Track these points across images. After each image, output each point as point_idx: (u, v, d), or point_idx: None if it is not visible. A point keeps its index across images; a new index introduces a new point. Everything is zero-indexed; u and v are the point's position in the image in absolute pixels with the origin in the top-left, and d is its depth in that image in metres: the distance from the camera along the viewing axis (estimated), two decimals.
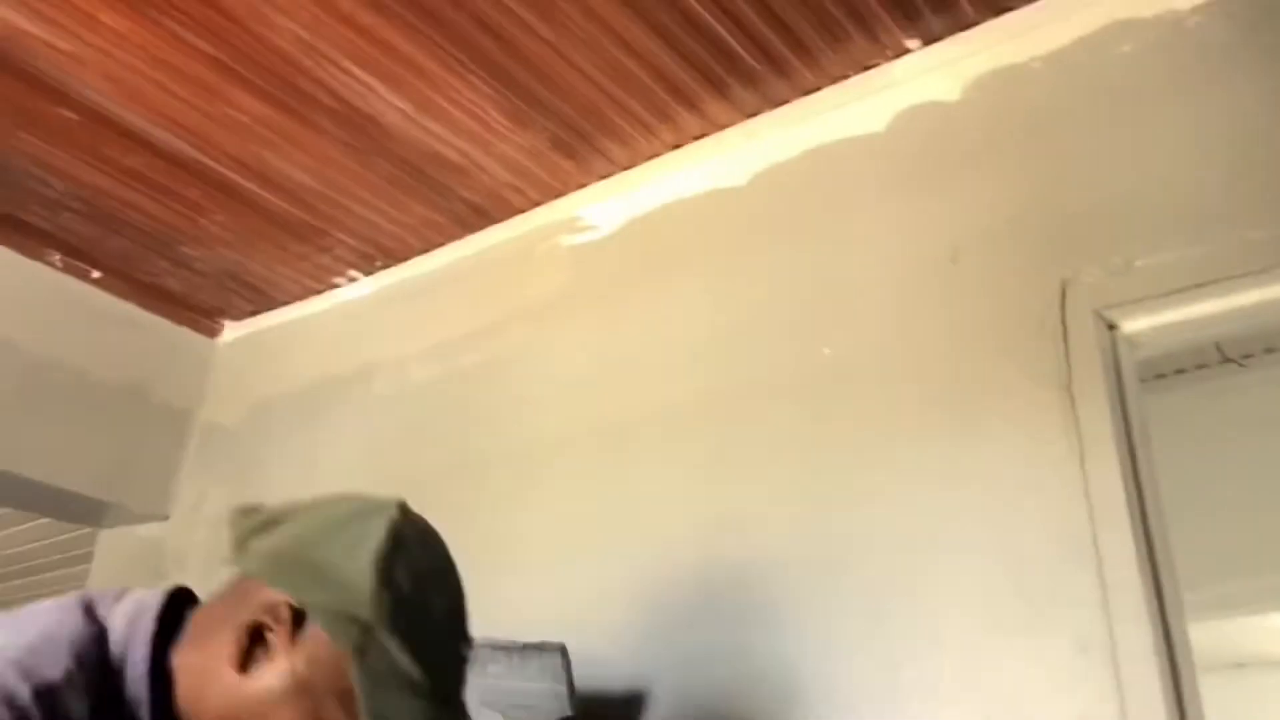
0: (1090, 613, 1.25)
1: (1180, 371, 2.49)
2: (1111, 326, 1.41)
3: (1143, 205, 1.42)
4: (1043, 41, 1.59)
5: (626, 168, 2.01)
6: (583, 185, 2.05)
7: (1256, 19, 1.42)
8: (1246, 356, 2.41)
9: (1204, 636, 1.53)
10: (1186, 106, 1.43)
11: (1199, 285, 1.33)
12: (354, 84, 1.79)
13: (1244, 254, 1.31)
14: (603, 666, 1.53)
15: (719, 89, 1.82)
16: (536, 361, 1.97)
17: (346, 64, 1.74)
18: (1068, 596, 1.27)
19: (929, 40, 1.70)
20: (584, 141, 1.95)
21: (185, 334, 2.58)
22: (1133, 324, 1.40)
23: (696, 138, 1.93)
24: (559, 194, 2.08)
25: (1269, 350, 2.40)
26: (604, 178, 2.03)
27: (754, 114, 1.87)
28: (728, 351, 1.73)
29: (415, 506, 0.97)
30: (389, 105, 1.84)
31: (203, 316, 2.58)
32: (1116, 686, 1.20)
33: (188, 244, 2.28)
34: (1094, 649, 1.23)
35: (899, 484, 1.46)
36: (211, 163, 2.01)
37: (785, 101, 1.83)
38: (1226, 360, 2.39)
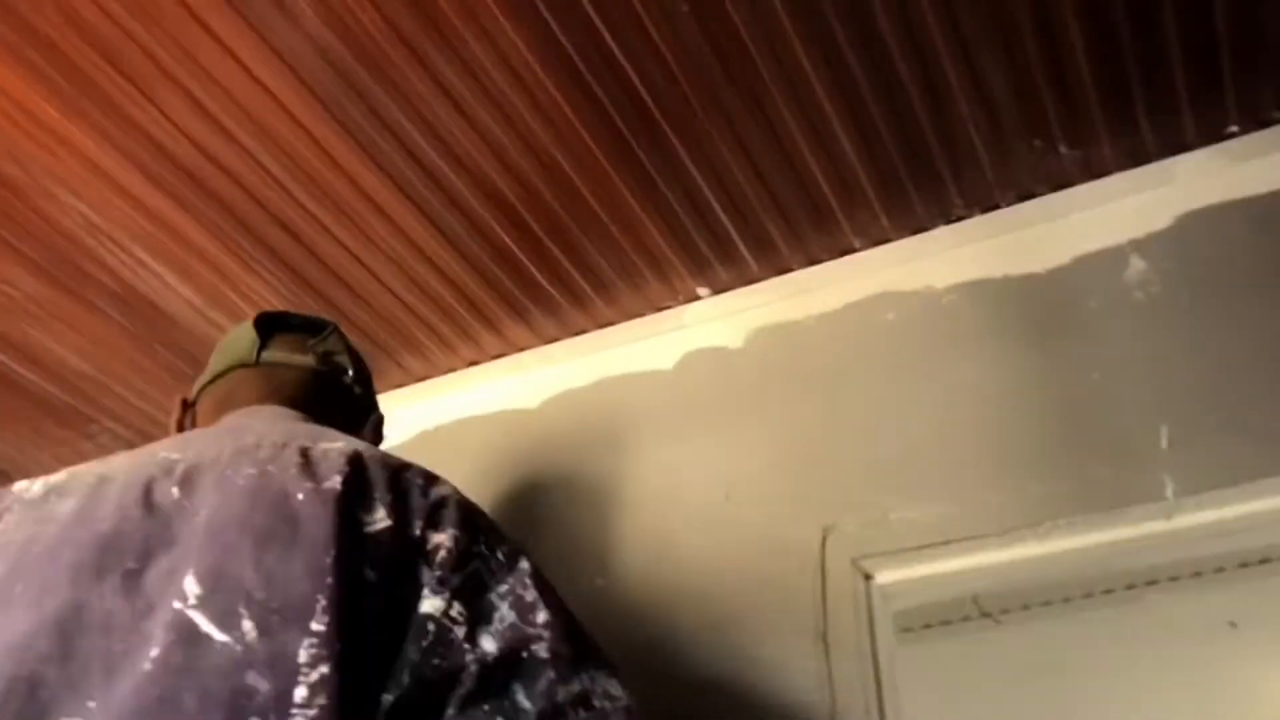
0: None
1: (945, 623, 2.59)
2: (868, 576, 1.45)
3: (899, 463, 1.50)
4: (818, 303, 1.71)
5: (421, 379, 2.01)
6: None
7: (1000, 301, 1.57)
8: (1004, 612, 2.53)
9: None
10: (939, 375, 1.55)
11: (945, 542, 1.40)
12: (140, 269, 1.74)
13: (984, 515, 1.39)
14: None
15: (520, 313, 1.87)
16: None
17: (134, 248, 1.70)
18: None
19: (718, 289, 1.80)
20: (380, 350, 1.94)
21: None
22: (887, 575, 1.45)
23: (494, 357, 1.96)
24: None
25: (1024, 607, 2.54)
26: (398, 387, 2.01)
27: (552, 340, 1.92)
28: None
29: None
30: (175, 294, 1.79)
31: None
32: None
33: None
34: None
35: None
36: None
37: (582, 331, 1.89)
38: (984, 615, 2.51)
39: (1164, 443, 1.34)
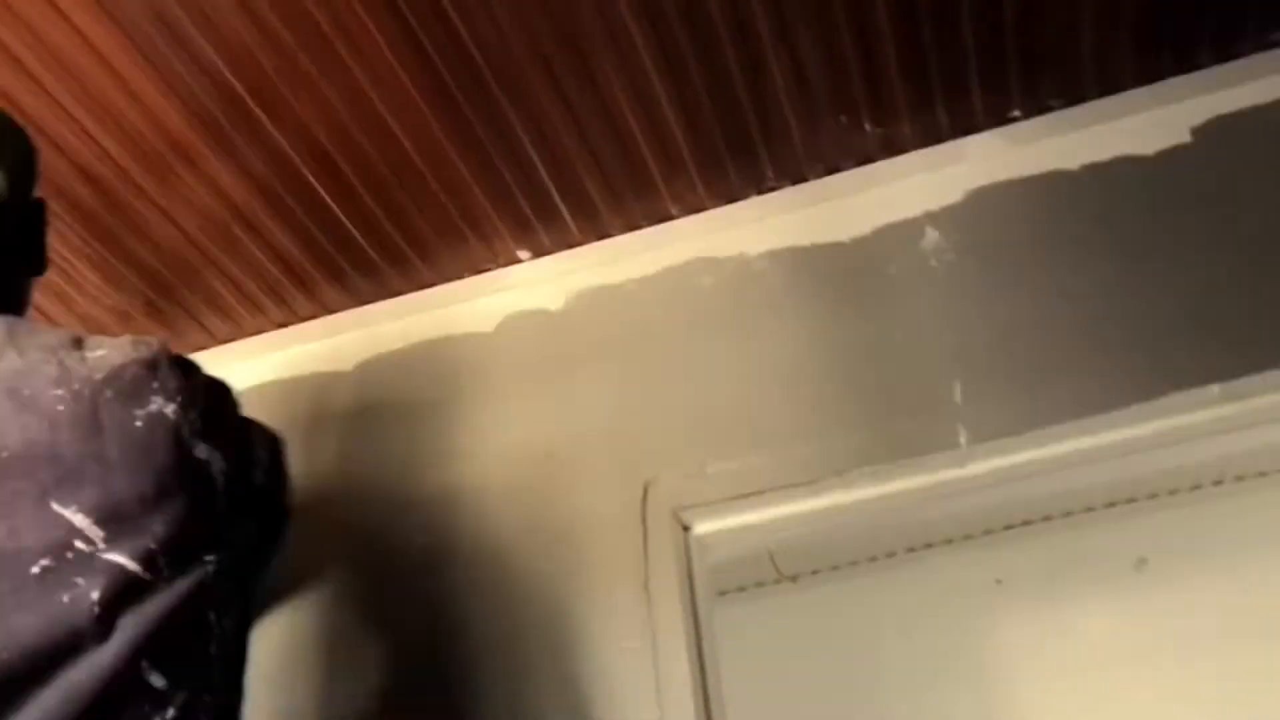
0: None
1: (758, 585, 2.71)
2: (686, 528, 1.50)
3: (716, 419, 1.56)
4: (638, 267, 1.75)
5: (226, 341, 1.92)
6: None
7: (808, 268, 1.66)
8: (810, 573, 2.68)
9: None
10: (752, 337, 1.62)
11: (759, 492, 1.47)
12: None
13: (794, 466, 1.47)
14: None
15: (335, 275, 1.82)
16: None
17: None
18: None
19: (539, 253, 1.81)
20: (182, 310, 1.84)
21: None
22: (704, 526, 1.51)
23: (306, 319, 1.90)
24: None
25: (814, 571, 2.69)
26: (200, 349, 1.92)
27: (368, 302, 1.88)
28: None
29: None
30: None
31: None
32: None
33: None
34: None
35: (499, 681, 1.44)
36: None
37: (399, 293, 1.86)
38: (786, 578, 2.64)
39: (958, 396, 1.45)
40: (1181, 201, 1.51)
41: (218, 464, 1.12)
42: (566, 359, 1.70)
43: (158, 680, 0.92)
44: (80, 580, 0.91)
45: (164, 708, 0.92)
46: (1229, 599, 2.70)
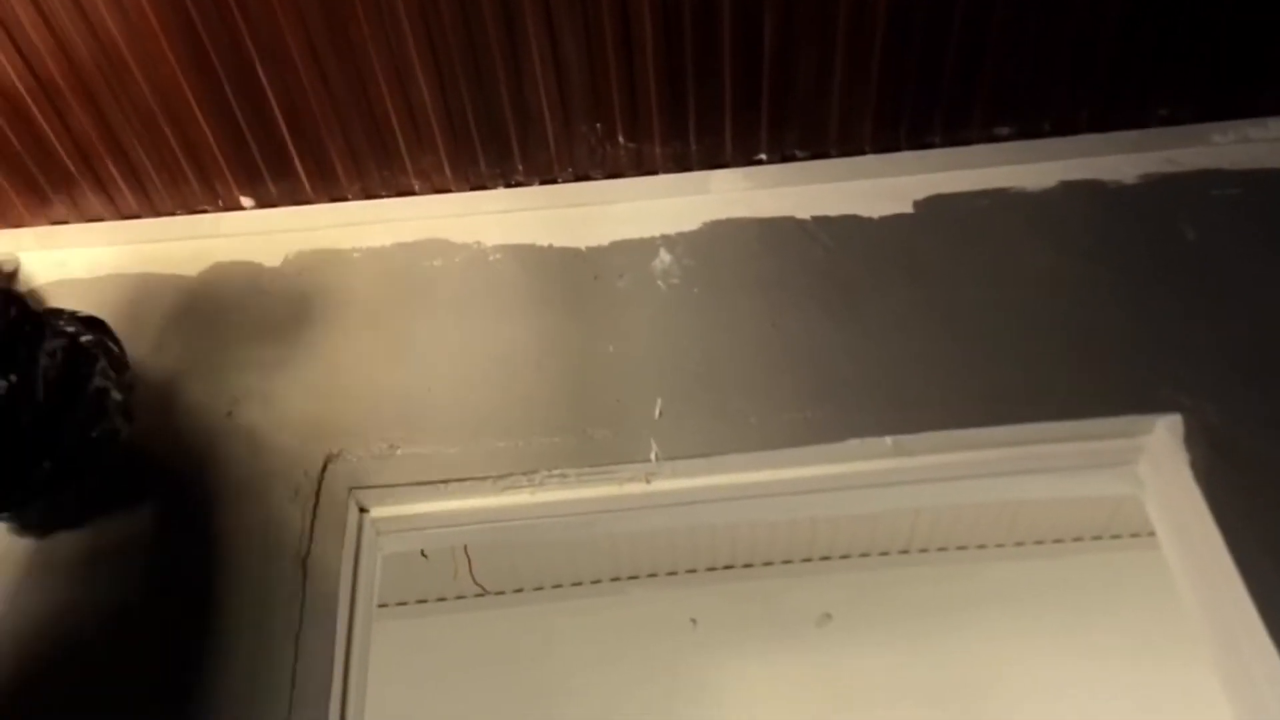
0: None
1: (440, 600, 2.64)
2: (363, 509, 1.43)
3: (419, 402, 1.50)
4: (367, 236, 1.68)
5: None
6: None
7: (541, 268, 1.64)
8: (499, 593, 2.63)
9: None
10: (473, 327, 1.57)
11: (445, 481, 1.42)
12: None
13: (487, 460, 1.43)
14: None
15: (33, 190, 1.64)
16: None
17: None
18: None
19: (264, 203, 1.70)
20: None
21: None
22: (384, 509, 1.43)
23: None
24: None
25: (518, 590, 2.65)
26: None
27: (62, 222, 1.71)
28: None
29: None
30: None
31: None
32: None
33: None
34: None
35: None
36: None
37: (99, 218, 1.70)
38: (479, 591, 2.59)
39: (657, 413, 1.46)
40: (894, 265, 1.59)
41: None
42: (271, 317, 1.60)
43: None
44: None
45: None
46: (903, 660, 2.86)
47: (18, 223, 1.70)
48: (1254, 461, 1.34)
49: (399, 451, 1.44)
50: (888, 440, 1.41)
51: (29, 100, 1.51)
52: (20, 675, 1.28)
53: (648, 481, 1.42)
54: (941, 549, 2.89)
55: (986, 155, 1.67)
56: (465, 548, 2.37)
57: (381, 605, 2.62)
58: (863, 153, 1.70)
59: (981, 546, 2.88)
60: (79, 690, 1.26)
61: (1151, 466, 1.41)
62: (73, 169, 1.62)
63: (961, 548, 2.89)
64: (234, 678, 1.25)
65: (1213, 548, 1.29)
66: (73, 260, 1.69)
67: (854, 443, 1.41)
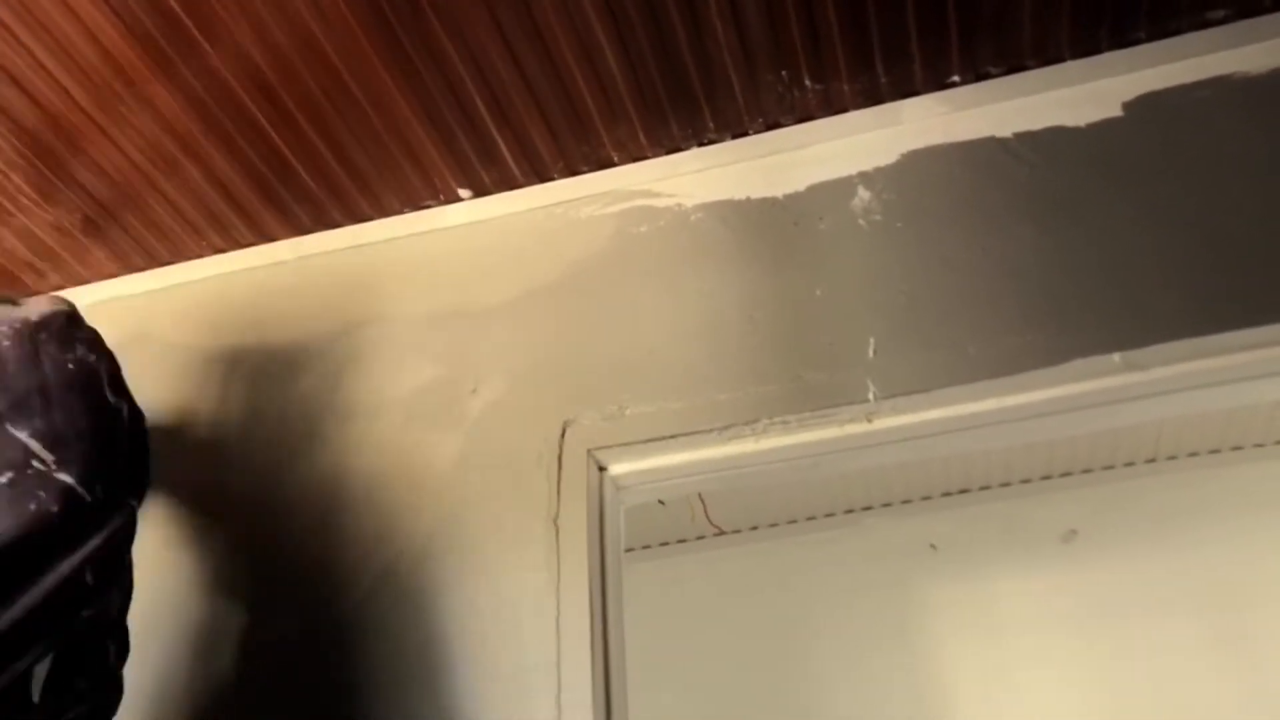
0: None
1: (681, 541, 2.76)
2: (602, 468, 1.53)
3: (639, 363, 1.58)
4: (576, 211, 1.77)
5: (167, 263, 1.93)
6: (112, 275, 1.94)
7: (741, 221, 1.68)
8: (735, 531, 2.72)
9: None
10: (682, 285, 1.64)
11: (673, 436, 1.50)
12: None
13: (709, 412, 1.50)
14: None
15: (275, 203, 1.83)
16: None
17: None
18: (527, 717, 1.32)
19: (480, 191, 1.82)
20: (121, 230, 1.85)
21: None
22: (620, 466, 1.53)
23: (244, 245, 1.90)
24: (83, 280, 1.94)
25: (753, 527, 2.73)
26: (139, 270, 1.93)
27: (306, 232, 1.89)
28: None
29: None
30: None
31: None
32: None
33: None
34: None
35: (396, 606, 1.47)
36: None
37: (338, 224, 1.87)
38: (717, 531, 2.68)
39: (870, 352, 1.48)
40: (1107, 173, 1.53)
41: (125, 411, 1.35)
42: (498, 297, 1.72)
43: (89, 577, 1.12)
44: (41, 494, 1.08)
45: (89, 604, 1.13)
46: (1154, 572, 2.77)
47: (271, 234, 1.90)
48: None
49: (628, 411, 1.54)
50: (1115, 357, 1.37)
51: (259, 115, 1.66)
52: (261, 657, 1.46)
53: (869, 420, 1.45)
54: (1192, 454, 2.76)
55: (1200, 43, 1.57)
56: (700, 495, 2.46)
57: (629, 550, 2.79)
58: (1062, 60, 1.63)
59: (1237, 448, 2.73)
60: (340, 656, 1.44)
61: None
62: (307, 179, 1.78)
63: (1214, 451, 2.75)
64: (503, 629, 1.39)
65: None
66: (308, 267, 1.87)
67: (1079, 363, 1.39)
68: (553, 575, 1.42)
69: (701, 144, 1.76)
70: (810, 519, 2.89)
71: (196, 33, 1.52)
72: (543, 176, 1.80)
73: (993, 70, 1.66)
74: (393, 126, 1.70)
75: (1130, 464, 2.75)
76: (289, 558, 1.57)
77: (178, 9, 1.48)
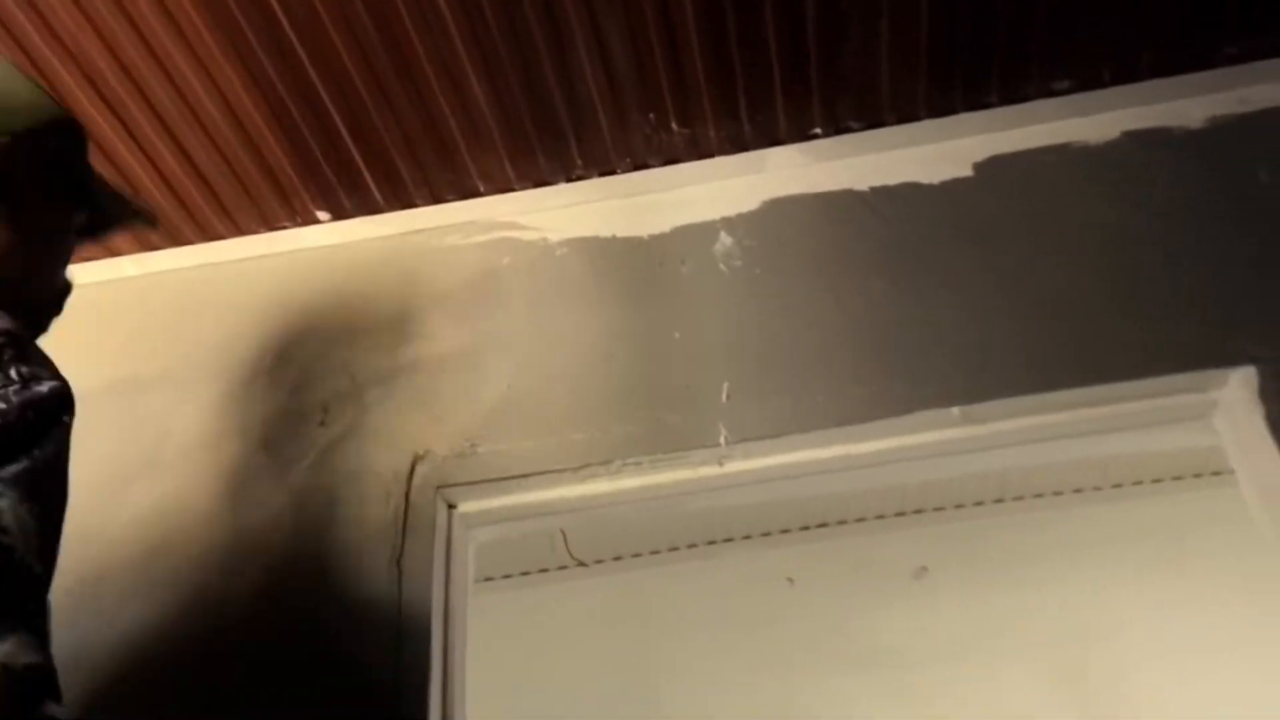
0: None
1: (542, 571, 2.74)
2: (451, 505, 1.50)
3: (496, 398, 1.56)
4: (437, 239, 1.74)
5: None
6: None
7: (606, 259, 1.68)
8: (597, 561, 2.72)
9: None
10: (544, 321, 1.63)
11: (526, 475, 1.48)
12: None
13: (565, 451, 1.49)
14: None
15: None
16: None
17: None
18: None
19: (339, 216, 1.78)
20: None
21: None
22: (470, 504, 1.51)
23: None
24: None
25: (616, 558, 2.74)
26: None
27: (154, 249, 1.82)
28: None
29: None
30: None
31: None
32: None
33: None
34: None
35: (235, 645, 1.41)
36: None
37: (188, 242, 1.80)
38: (577, 563, 2.67)
39: (724, 396, 1.50)
40: (956, 231, 1.59)
41: None
42: (353, 322, 1.68)
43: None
44: None
45: None
46: (1001, 609, 2.87)
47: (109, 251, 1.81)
48: None
49: (480, 449, 1.51)
50: (955, 410, 1.42)
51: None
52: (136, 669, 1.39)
53: (720, 464, 1.47)
54: (1037, 495, 2.87)
55: (1046, 110, 1.64)
56: (562, 530, 2.45)
57: (488, 579, 2.75)
58: (918, 118, 1.69)
59: (1077, 491, 2.85)
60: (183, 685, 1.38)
61: (1227, 420, 1.39)
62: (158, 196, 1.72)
63: (1057, 493, 2.87)
64: (339, 679, 1.34)
65: None
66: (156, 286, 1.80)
67: (921, 414, 1.43)
68: (393, 616, 1.38)
69: (569, 179, 1.76)
70: (672, 549, 2.90)
71: None
72: (405, 203, 1.77)
73: (853, 125, 1.70)
74: (249, 143, 1.65)
75: (980, 503, 2.84)
76: (126, 587, 1.49)
77: None
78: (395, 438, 1.54)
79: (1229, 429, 1.39)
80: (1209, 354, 1.40)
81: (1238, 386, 1.37)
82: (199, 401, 1.64)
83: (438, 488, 1.48)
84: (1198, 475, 2.78)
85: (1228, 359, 1.38)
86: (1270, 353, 1.37)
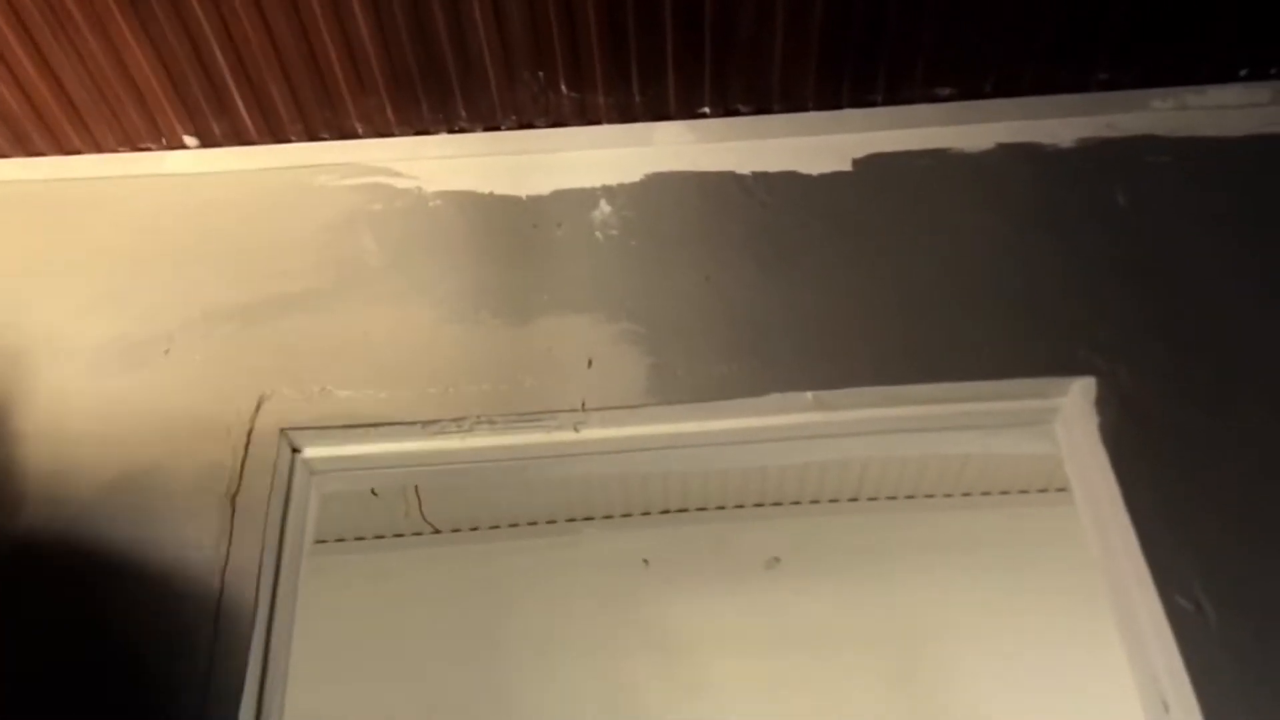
0: None
1: (397, 536, 2.69)
2: (295, 449, 1.46)
3: (355, 346, 1.52)
4: (309, 177, 1.69)
5: None
6: None
7: (482, 215, 1.65)
8: (454, 530, 2.68)
9: None
10: (410, 273, 1.59)
11: (376, 424, 1.44)
12: None
13: (419, 404, 1.46)
14: None
15: None
16: None
17: None
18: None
19: (207, 143, 1.70)
20: None
21: None
22: (315, 450, 1.46)
23: None
24: None
25: (473, 529, 2.71)
26: None
27: (3, 156, 1.71)
28: None
29: None
30: None
31: None
32: None
33: None
34: None
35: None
36: None
37: (39, 153, 1.70)
38: (433, 530, 2.63)
39: (586, 363, 1.48)
40: (829, 223, 1.61)
41: None
42: (209, 253, 1.61)
43: None
44: None
45: None
46: (848, 604, 2.93)
47: None
48: (1161, 426, 1.38)
49: (332, 394, 1.47)
50: (808, 395, 1.44)
51: None
52: None
53: (576, 430, 1.46)
54: (890, 498, 2.95)
55: (927, 115, 1.68)
56: (415, 488, 2.40)
57: (339, 540, 2.69)
58: (805, 108, 1.70)
59: (929, 496, 2.94)
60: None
61: (1065, 427, 1.45)
62: (11, 103, 1.61)
63: (910, 497, 2.95)
64: (157, 615, 1.29)
65: (1114, 507, 1.33)
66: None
67: (775, 397, 1.44)
68: (220, 554, 1.33)
69: (451, 130, 1.72)
70: (531, 524, 2.89)
71: None
72: (278, 136, 1.71)
73: (742, 108, 1.71)
74: (113, 53, 1.56)
75: (835, 500, 2.91)
76: None
77: None
78: (242, 375, 1.48)
79: (1067, 436, 1.44)
80: (1054, 362, 1.45)
81: (1078, 395, 1.42)
82: (40, 318, 1.55)
83: (282, 430, 1.43)
84: (1043, 490, 2.91)
85: (1071, 368, 1.44)
86: (1109, 365, 1.43)
